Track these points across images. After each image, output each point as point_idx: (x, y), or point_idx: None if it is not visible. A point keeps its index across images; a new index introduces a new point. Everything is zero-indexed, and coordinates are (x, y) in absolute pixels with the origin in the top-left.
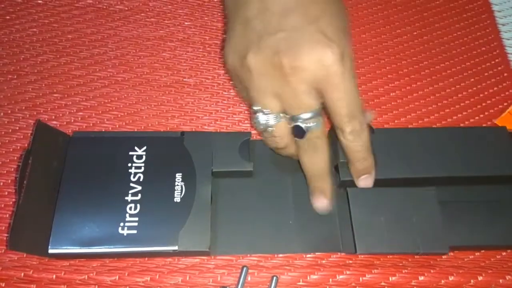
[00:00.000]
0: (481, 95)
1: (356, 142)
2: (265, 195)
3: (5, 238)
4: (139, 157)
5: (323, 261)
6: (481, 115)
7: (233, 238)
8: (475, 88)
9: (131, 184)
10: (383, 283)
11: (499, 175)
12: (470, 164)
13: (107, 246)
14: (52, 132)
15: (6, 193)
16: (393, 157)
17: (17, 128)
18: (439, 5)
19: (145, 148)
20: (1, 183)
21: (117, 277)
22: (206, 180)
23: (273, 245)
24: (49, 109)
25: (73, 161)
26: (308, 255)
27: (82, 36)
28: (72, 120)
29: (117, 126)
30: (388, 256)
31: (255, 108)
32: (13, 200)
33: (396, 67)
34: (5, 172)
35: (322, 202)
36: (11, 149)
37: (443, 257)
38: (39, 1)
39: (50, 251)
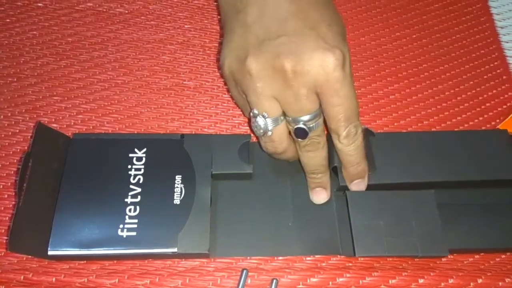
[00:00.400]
0: (480, 98)
1: (350, 147)
2: (264, 197)
3: (4, 241)
4: (139, 159)
5: (323, 264)
6: (480, 118)
7: (232, 240)
8: (474, 91)
9: (131, 186)
10: (383, 286)
11: (500, 179)
12: (471, 168)
13: (107, 248)
14: (52, 134)
15: (6, 196)
16: (393, 162)
17: (17, 130)
18: (438, 8)
19: (145, 150)
20: (1, 186)
21: (116, 280)
22: (206, 182)
23: (272, 247)
24: (49, 111)
25: (73, 163)
26: (308, 258)
27: (82, 39)
28: (72, 123)
29: (117, 128)
30: (387, 259)
31: (254, 112)
32: (13, 203)
33: (395, 70)
34: (4, 175)
35: (321, 196)
36: (11, 152)
37: (443, 260)
38: (39, 4)
39: (50, 252)
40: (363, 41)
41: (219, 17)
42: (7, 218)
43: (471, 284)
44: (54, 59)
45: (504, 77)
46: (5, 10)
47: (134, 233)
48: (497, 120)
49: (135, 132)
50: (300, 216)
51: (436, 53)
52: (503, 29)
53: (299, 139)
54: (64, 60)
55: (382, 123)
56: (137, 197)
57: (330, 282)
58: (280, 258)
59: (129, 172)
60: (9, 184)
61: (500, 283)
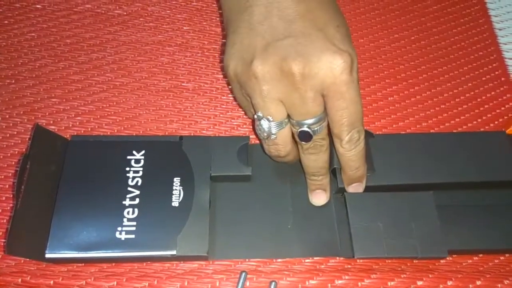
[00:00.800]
0: (478, 99)
1: (352, 152)
2: (263, 199)
3: (2, 244)
4: (137, 161)
5: (322, 266)
6: (479, 120)
7: (231, 242)
8: (472, 93)
9: (129, 188)
10: None
11: (498, 180)
12: (469, 169)
13: (105, 251)
14: (50, 136)
15: (4, 198)
16: (392, 163)
17: (15, 132)
18: (437, 10)
19: (143, 152)
20: None
21: (115, 283)
22: (205, 184)
23: (271, 249)
24: (47, 113)
25: (71, 165)
26: (307, 260)
27: (81, 40)
28: (71, 125)
29: (116, 130)
30: (386, 261)
31: (259, 114)
32: (11, 205)
33: (394, 71)
34: (3, 177)
35: (321, 198)
36: (9, 154)
37: (442, 261)
38: (38, 6)
39: (47, 255)
40: (362, 43)
41: (218, 18)
42: (5, 221)
43: (470, 286)
44: (53, 61)
45: (503, 79)
46: (3, 12)
47: (132, 236)
48: (496, 122)
49: (134, 134)
50: (299, 218)
51: (435, 54)
52: (501, 31)
53: (303, 142)
54: (62, 62)
55: (381, 124)
56: (135, 200)
57: (329, 285)
58: (279, 260)
59: (127, 174)
60: (7, 186)
61: (499, 285)
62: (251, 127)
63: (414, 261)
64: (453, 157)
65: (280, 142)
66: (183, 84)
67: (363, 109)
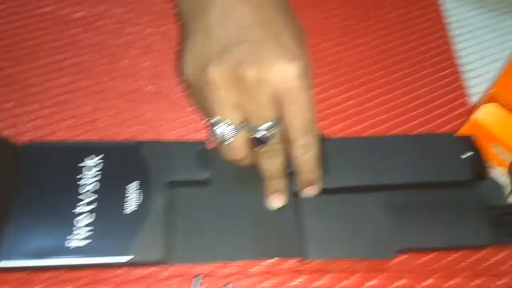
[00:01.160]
0: (434, 103)
1: (306, 156)
2: (222, 203)
3: None
4: (94, 166)
5: (277, 268)
6: (434, 123)
7: (189, 246)
8: (427, 97)
9: (85, 194)
10: None
11: (446, 180)
12: (420, 170)
13: (59, 258)
14: (4, 142)
15: None
16: (346, 166)
17: None
18: (397, 16)
19: (100, 157)
20: None
21: None
22: (161, 189)
23: (229, 252)
24: (4, 118)
25: (27, 171)
26: (263, 262)
27: (41, 43)
28: (29, 129)
29: (74, 135)
30: (340, 261)
31: (214, 119)
32: None
33: (352, 76)
34: None
35: (278, 201)
36: None
37: (395, 260)
38: None
39: (0, 264)
40: (323, 48)
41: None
42: None
43: (421, 284)
44: (10, 65)
45: (456, 84)
46: None
47: (86, 242)
48: (449, 126)
49: (92, 138)
50: (257, 220)
51: (393, 59)
52: (456, 38)
53: (259, 146)
54: (20, 65)
55: (338, 128)
56: (90, 205)
57: (282, 285)
58: (236, 263)
59: (82, 181)
60: None
61: (450, 283)
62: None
63: (367, 261)
64: (404, 158)
65: (237, 147)
66: (144, 87)
67: (316, 114)
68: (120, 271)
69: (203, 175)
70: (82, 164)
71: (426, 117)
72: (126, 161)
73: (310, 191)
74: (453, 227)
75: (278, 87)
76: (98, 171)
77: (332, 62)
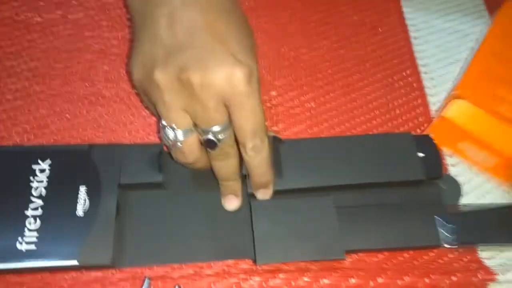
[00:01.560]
0: (390, 105)
1: (256, 158)
2: (175, 206)
3: None
4: (42, 170)
5: (231, 269)
6: (389, 124)
7: (141, 249)
8: (385, 99)
9: (32, 198)
10: (285, 287)
11: (403, 180)
12: (375, 170)
13: (5, 262)
14: None
15: None
16: (300, 167)
17: None
18: (356, 21)
19: (49, 161)
20: None
21: None
22: (112, 192)
23: (182, 255)
24: None
25: None
26: (217, 264)
27: None
28: None
29: (26, 140)
30: (294, 262)
31: (163, 123)
32: None
33: (311, 79)
34: None
35: (233, 203)
36: None
37: (347, 260)
38: None
39: None
40: (282, 52)
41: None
42: None
43: (371, 283)
44: None
45: (415, 85)
46: None
47: (33, 246)
48: (406, 126)
49: (44, 143)
50: (212, 223)
51: (351, 63)
52: (416, 40)
53: (210, 150)
54: None
55: (297, 130)
56: (40, 209)
57: (234, 286)
58: (189, 265)
59: (31, 184)
60: None
61: (399, 282)
62: None
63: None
64: (360, 158)
65: (187, 150)
66: (100, 91)
67: (264, 117)
68: (72, 273)
69: (157, 178)
70: (33, 167)
71: (382, 118)
72: (77, 164)
73: (263, 195)
74: (406, 227)
75: (223, 92)
76: (49, 175)
77: (291, 65)
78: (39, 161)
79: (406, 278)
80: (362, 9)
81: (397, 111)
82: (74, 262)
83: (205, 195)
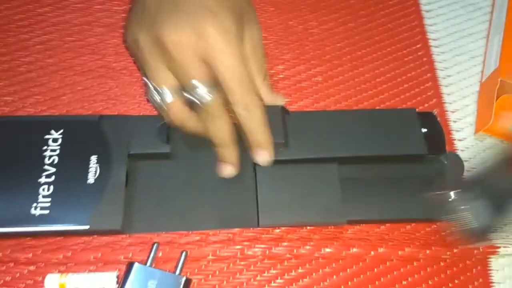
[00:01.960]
0: (398, 79)
1: (248, 118)
2: (182, 175)
3: None
4: (55, 140)
5: (236, 237)
6: (397, 98)
7: (149, 217)
8: (393, 73)
9: (45, 167)
10: (288, 255)
11: (405, 154)
12: (378, 144)
13: (19, 226)
14: None
15: None
16: (305, 139)
17: None
18: None
19: (61, 131)
20: None
21: (30, 255)
22: (121, 162)
23: (189, 222)
24: None
25: None
26: (223, 231)
27: (9, 22)
28: None
29: (39, 110)
30: (298, 230)
31: (150, 85)
32: None
33: (319, 53)
34: None
35: (227, 170)
36: None
37: (349, 230)
38: None
39: None
40: (290, 25)
41: None
42: None
43: (372, 253)
44: None
45: (425, 59)
46: None
47: (47, 211)
48: (413, 100)
49: (57, 114)
50: (218, 192)
51: (360, 36)
52: (427, 13)
53: (197, 110)
54: None
55: (304, 104)
56: (51, 177)
57: (238, 253)
58: (196, 232)
59: (44, 153)
60: None
61: (400, 252)
62: None
63: (323, 230)
64: (364, 132)
65: (174, 111)
66: (110, 64)
67: (248, 74)
68: (84, 238)
69: (164, 148)
70: (43, 138)
71: (389, 92)
72: (87, 135)
73: (262, 156)
74: (408, 200)
75: (196, 47)
76: (61, 144)
77: (298, 39)
78: (52, 131)
79: (407, 249)
80: None
81: (405, 85)
82: (86, 227)
83: (211, 165)
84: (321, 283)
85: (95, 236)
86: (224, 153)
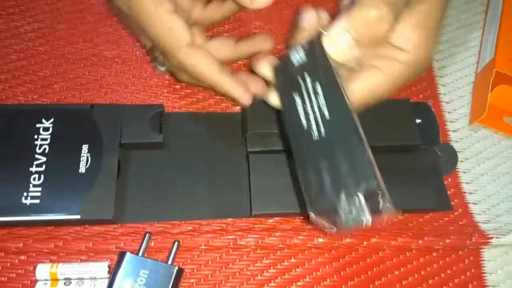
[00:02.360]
0: None
1: None
2: (175, 166)
3: None
4: (45, 129)
5: (229, 227)
6: None
7: (141, 206)
8: None
9: (36, 156)
10: (280, 245)
11: (400, 144)
12: (372, 134)
13: (10, 216)
14: None
15: None
16: None
17: None
18: None
19: (52, 120)
20: None
21: (21, 244)
22: (113, 151)
23: (181, 212)
24: None
25: None
26: (215, 222)
27: (0, 9)
28: None
29: (31, 99)
30: (291, 221)
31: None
32: None
33: None
34: None
35: (245, 97)
36: None
37: None
38: None
39: None
40: (285, 14)
41: None
42: None
43: (365, 243)
44: None
45: None
46: None
47: (38, 201)
48: (408, 91)
49: (48, 103)
50: (211, 182)
51: None
52: None
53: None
54: None
55: None
56: (42, 166)
57: (231, 243)
58: (188, 222)
59: (35, 142)
60: None
61: (392, 242)
62: (168, 95)
63: None
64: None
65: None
66: (102, 52)
67: None
68: (76, 227)
69: (157, 138)
70: (34, 126)
71: None
72: (78, 124)
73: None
74: (402, 190)
75: None
76: (51, 133)
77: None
78: (43, 120)
79: (400, 239)
80: None
81: None
82: (77, 217)
83: (204, 155)
84: (314, 273)
85: (87, 225)
86: (229, 91)
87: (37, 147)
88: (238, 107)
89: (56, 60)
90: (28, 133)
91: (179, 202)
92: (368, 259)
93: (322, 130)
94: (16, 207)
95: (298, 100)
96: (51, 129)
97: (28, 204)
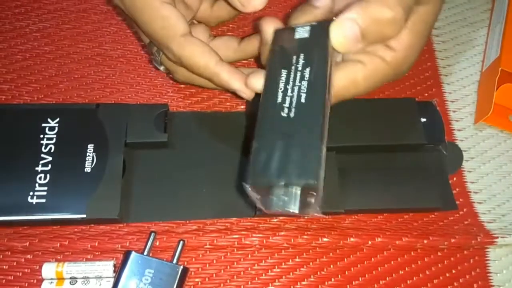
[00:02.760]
0: None
1: None
2: (180, 165)
3: None
4: (51, 128)
5: (233, 226)
6: (397, 88)
7: (146, 206)
8: None
9: (42, 155)
10: (285, 244)
11: (405, 143)
12: (378, 133)
13: (16, 215)
14: None
15: None
16: None
17: None
18: None
19: (58, 119)
20: None
21: (27, 243)
22: (119, 150)
23: (186, 212)
24: None
25: None
26: (220, 221)
27: (6, 9)
28: None
29: (36, 98)
30: (295, 220)
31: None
32: None
33: None
34: None
35: (245, 90)
36: None
37: (347, 220)
38: None
39: None
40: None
41: None
42: None
43: (369, 242)
44: None
45: (425, 47)
46: None
47: (43, 200)
48: (413, 90)
49: (53, 102)
50: (215, 182)
51: None
52: None
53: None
54: None
55: None
56: (47, 166)
57: (236, 242)
58: (193, 222)
59: (41, 142)
60: None
61: (397, 242)
62: (173, 95)
63: (320, 220)
64: (363, 121)
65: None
66: (107, 52)
67: None
68: (81, 227)
69: (161, 137)
70: (40, 126)
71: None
72: (83, 123)
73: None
74: (406, 190)
75: None
76: (57, 132)
77: None
78: (49, 120)
79: (405, 239)
80: None
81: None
82: (82, 216)
83: (209, 155)
84: (318, 273)
85: (92, 225)
86: (233, 84)
87: (43, 146)
88: (242, 107)
89: (62, 60)
90: (33, 133)
91: (184, 201)
92: (372, 259)
93: (293, 111)
94: (22, 207)
95: (284, 76)
96: (56, 128)
97: (34, 203)
